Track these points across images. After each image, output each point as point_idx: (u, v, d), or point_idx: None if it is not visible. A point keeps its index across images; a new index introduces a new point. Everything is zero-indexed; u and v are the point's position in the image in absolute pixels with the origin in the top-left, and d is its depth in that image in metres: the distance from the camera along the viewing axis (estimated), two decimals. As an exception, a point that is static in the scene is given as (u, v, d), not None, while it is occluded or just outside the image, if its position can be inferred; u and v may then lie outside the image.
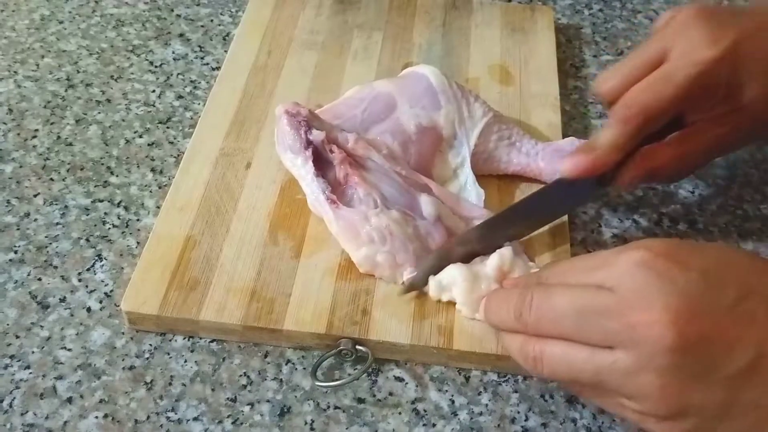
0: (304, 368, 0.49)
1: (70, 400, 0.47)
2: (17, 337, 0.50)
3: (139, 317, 0.50)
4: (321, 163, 0.54)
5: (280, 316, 0.50)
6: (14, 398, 0.47)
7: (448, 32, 0.73)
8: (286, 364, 0.49)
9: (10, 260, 0.55)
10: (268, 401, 0.48)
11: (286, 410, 0.47)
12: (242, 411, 0.47)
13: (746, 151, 0.65)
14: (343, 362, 0.50)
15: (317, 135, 0.54)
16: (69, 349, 0.50)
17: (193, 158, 0.60)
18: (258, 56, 0.69)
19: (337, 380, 0.48)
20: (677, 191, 0.62)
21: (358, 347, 0.49)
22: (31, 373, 0.49)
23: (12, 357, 0.49)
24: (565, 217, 0.56)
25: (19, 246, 0.55)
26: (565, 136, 0.63)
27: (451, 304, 0.51)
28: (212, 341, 0.50)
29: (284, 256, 0.54)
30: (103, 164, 0.61)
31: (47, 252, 0.55)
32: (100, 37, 0.73)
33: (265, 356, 0.50)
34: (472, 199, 0.56)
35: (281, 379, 0.49)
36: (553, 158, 0.58)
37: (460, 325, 0.50)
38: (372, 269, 0.52)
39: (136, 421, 0.46)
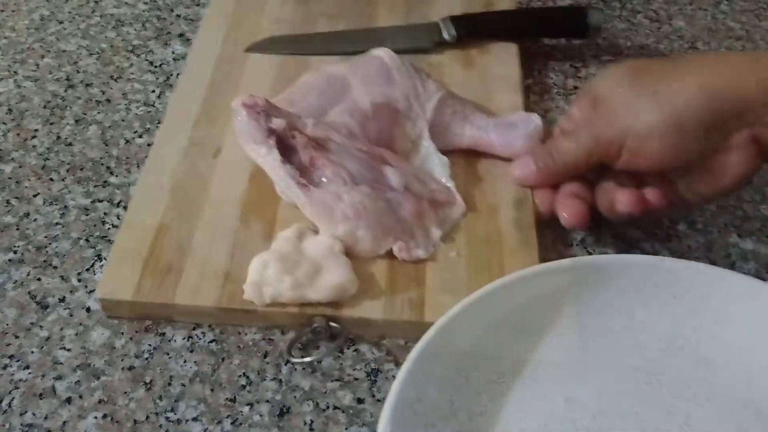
0: (303, 368, 0.49)
1: (69, 400, 0.47)
2: (16, 337, 0.50)
3: (114, 304, 0.51)
4: (285, 150, 0.55)
5: None
6: (13, 398, 0.47)
7: (411, 20, 0.73)
8: (286, 365, 0.49)
9: (10, 260, 0.55)
10: (267, 401, 0.48)
11: (285, 410, 0.47)
12: (241, 411, 0.47)
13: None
14: (318, 340, 0.50)
15: (278, 123, 0.55)
16: (68, 349, 0.50)
17: (162, 148, 0.60)
18: (224, 47, 0.69)
19: (311, 356, 0.49)
20: (677, 191, 0.62)
21: (331, 324, 0.50)
22: (30, 373, 0.49)
23: (11, 357, 0.49)
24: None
25: (18, 246, 0.55)
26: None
27: (422, 277, 0.52)
28: (211, 341, 0.50)
29: (256, 239, 0.54)
30: (103, 164, 0.61)
31: (47, 252, 0.55)
32: (100, 37, 0.73)
33: (265, 356, 0.50)
34: (437, 167, 0.58)
35: (280, 380, 0.49)
36: (504, 131, 0.60)
37: (431, 299, 0.51)
38: (354, 245, 0.53)
39: (135, 421, 0.46)
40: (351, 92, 0.60)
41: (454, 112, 0.60)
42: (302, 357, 0.49)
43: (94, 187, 0.60)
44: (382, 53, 0.62)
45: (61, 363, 0.49)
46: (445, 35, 0.70)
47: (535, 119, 0.60)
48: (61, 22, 0.74)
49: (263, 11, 0.73)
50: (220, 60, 0.68)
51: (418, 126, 0.59)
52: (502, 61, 0.69)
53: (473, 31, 0.70)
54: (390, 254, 0.53)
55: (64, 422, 0.46)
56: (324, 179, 0.54)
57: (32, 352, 0.50)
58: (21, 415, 0.47)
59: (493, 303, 0.47)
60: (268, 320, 0.51)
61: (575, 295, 0.49)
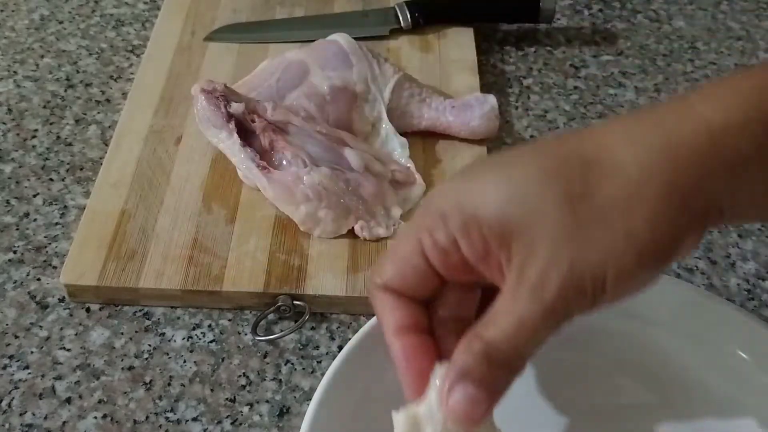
0: (303, 368, 0.49)
1: (69, 400, 0.47)
2: (16, 337, 0.50)
3: (79, 289, 0.51)
4: (244, 134, 0.56)
5: (218, 278, 0.52)
6: (13, 398, 0.47)
7: (368, 5, 0.74)
8: (285, 365, 0.49)
9: (10, 260, 0.55)
10: (267, 401, 0.48)
11: (285, 410, 0.47)
12: (241, 411, 0.47)
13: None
14: (283, 318, 0.51)
15: (237, 107, 0.56)
16: (68, 350, 0.50)
17: (123, 136, 0.61)
18: (182, 37, 0.70)
19: (276, 334, 0.50)
20: (677, 191, 0.61)
21: (296, 302, 0.51)
22: (30, 373, 0.49)
23: (11, 357, 0.49)
24: None
25: (18, 246, 0.55)
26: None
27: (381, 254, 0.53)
28: (211, 341, 0.50)
29: (219, 222, 0.55)
30: (102, 164, 0.61)
31: (47, 252, 0.55)
32: (100, 37, 0.73)
33: (265, 356, 0.50)
34: (397, 149, 0.60)
35: (280, 380, 0.49)
36: (460, 112, 0.61)
37: None
38: (314, 226, 0.54)
39: (135, 421, 0.46)
40: (309, 76, 0.61)
41: (411, 94, 0.62)
42: (267, 335, 0.50)
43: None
44: (339, 38, 0.63)
45: (60, 363, 0.49)
46: (402, 21, 0.71)
47: (491, 100, 0.62)
48: (61, 22, 0.74)
49: (220, 2, 0.74)
50: (179, 49, 0.69)
51: (377, 109, 0.61)
52: (459, 45, 0.70)
53: (429, 16, 0.71)
54: (352, 233, 0.54)
55: (64, 422, 0.46)
56: (284, 162, 0.55)
57: (32, 352, 0.50)
58: (21, 415, 0.47)
59: None
60: (232, 301, 0.52)
61: None
